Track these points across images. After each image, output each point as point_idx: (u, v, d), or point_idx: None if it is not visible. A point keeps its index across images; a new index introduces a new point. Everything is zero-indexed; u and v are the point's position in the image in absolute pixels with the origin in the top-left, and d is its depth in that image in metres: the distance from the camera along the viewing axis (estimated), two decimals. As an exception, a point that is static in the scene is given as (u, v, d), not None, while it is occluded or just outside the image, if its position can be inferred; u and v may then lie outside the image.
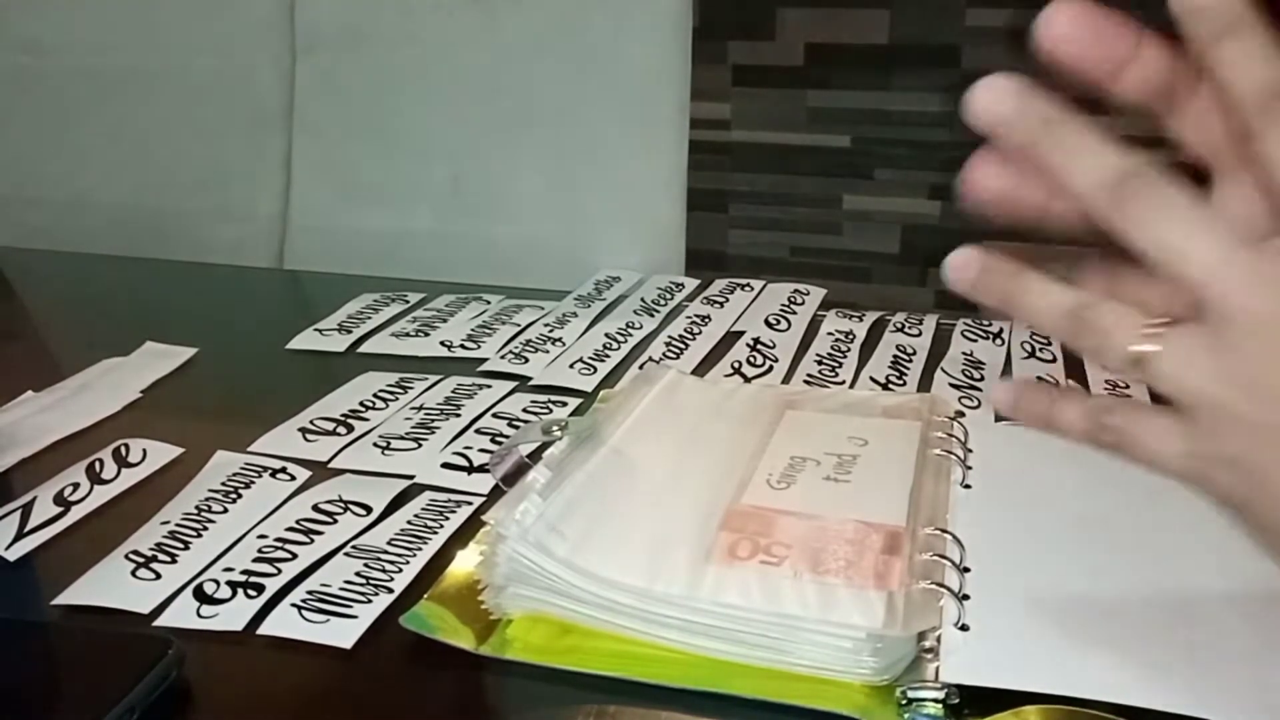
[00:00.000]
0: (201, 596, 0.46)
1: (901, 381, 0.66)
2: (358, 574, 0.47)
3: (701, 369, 0.69)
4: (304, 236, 1.05)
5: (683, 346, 0.73)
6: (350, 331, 0.78)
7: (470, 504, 0.52)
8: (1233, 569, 0.43)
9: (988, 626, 0.41)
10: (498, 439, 0.59)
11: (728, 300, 0.82)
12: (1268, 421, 0.27)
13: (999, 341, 0.72)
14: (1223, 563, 0.44)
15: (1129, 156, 0.28)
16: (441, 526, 0.50)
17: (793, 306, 0.79)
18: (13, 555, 0.50)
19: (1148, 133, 0.30)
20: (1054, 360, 0.68)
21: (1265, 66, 0.27)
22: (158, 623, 0.44)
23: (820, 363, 0.70)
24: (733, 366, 0.69)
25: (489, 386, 0.67)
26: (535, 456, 0.51)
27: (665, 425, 0.52)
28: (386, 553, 0.48)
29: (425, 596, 0.45)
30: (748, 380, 0.67)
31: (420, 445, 0.59)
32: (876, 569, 0.42)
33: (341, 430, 0.61)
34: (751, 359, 0.70)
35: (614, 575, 0.41)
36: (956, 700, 0.38)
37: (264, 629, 0.43)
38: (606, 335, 0.75)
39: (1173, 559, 0.45)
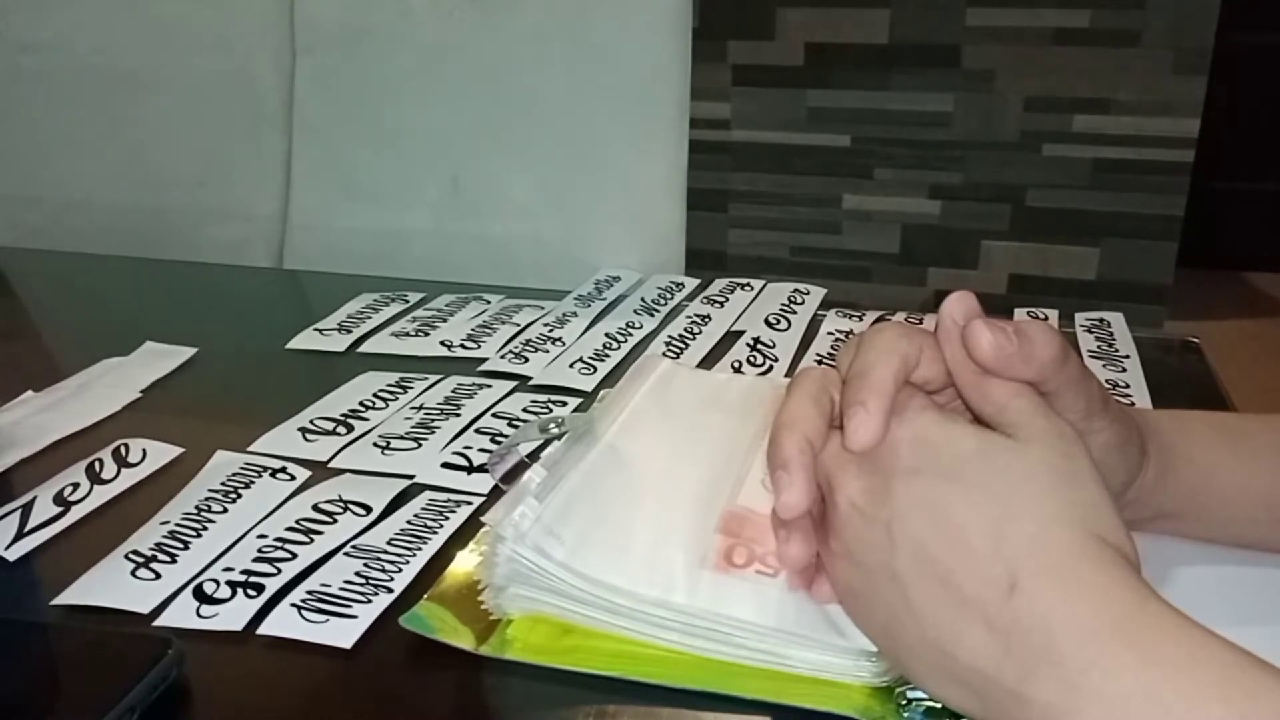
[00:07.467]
0: (201, 596, 0.46)
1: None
2: (357, 574, 0.47)
3: (702, 369, 0.69)
4: (304, 236, 1.05)
5: (683, 346, 0.73)
6: (350, 331, 0.78)
7: (470, 504, 0.52)
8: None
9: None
10: (497, 439, 0.59)
11: (728, 300, 0.82)
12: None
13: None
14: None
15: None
16: (441, 526, 0.50)
17: (793, 306, 0.79)
18: (13, 555, 0.50)
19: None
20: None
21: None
22: (158, 623, 0.44)
23: (820, 362, 0.70)
24: (733, 366, 0.69)
25: (489, 386, 0.67)
26: (535, 456, 0.51)
27: (660, 419, 0.51)
28: (386, 553, 0.48)
29: (425, 597, 0.45)
30: (748, 380, 0.67)
31: (420, 445, 0.59)
32: None
33: (341, 430, 0.61)
34: (751, 359, 0.70)
35: (612, 580, 0.41)
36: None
37: (264, 629, 0.43)
38: (606, 335, 0.75)
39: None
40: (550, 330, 0.76)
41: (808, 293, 0.82)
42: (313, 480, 0.56)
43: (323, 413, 0.63)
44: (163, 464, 0.58)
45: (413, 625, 0.43)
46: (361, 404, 0.65)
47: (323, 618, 0.44)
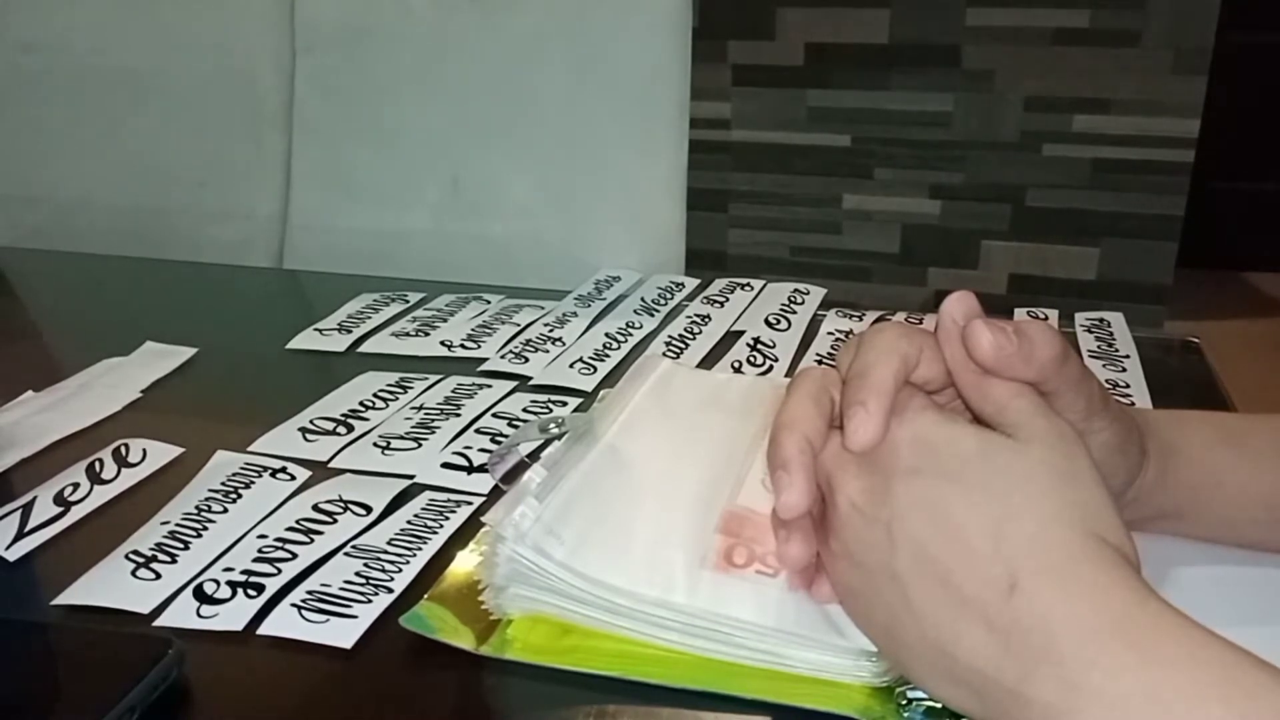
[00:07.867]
0: (201, 596, 0.46)
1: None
2: (358, 574, 0.47)
3: (702, 369, 0.69)
4: (304, 236, 1.05)
5: (683, 346, 0.73)
6: (350, 331, 0.78)
7: (470, 504, 0.52)
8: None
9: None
10: (498, 439, 0.59)
11: (728, 300, 0.82)
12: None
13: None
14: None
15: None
16: (441, 526, 0.50)
17: (793, 306, 0.79)
18: (13, 555, 0.50)
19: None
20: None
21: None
22: (158, 623, 0.44)
23: (820, 362, 0.70)
24: (733, 366, 0.69)
25: (489, 386, 0.67)
26: (535, 456, 0.51)
27: (660, 419, 0.52)
28: (386, 553, 0.48)
29: (425, 597, 0.45)
30: (748, 380, 0.67)
31: (420, 445, 0.59)
32: None
33: (341, 430, 0.61)
34: (751, 358, 0.70)
35: (612, 580, 0.41)
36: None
37: (264, 629, 0.43)
38: (606, 335, 0.75)
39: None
40: (550, 330, 0.76)
41: (808, 293, 0.82)
42: (313, 480, 0.56)
43: (323, 413, 0.63)
44: (163, 464, 0.58)
45: (413, 625, 0.43)
46: (361, 404, 0.65)
47: (323, 618, 0.44)
